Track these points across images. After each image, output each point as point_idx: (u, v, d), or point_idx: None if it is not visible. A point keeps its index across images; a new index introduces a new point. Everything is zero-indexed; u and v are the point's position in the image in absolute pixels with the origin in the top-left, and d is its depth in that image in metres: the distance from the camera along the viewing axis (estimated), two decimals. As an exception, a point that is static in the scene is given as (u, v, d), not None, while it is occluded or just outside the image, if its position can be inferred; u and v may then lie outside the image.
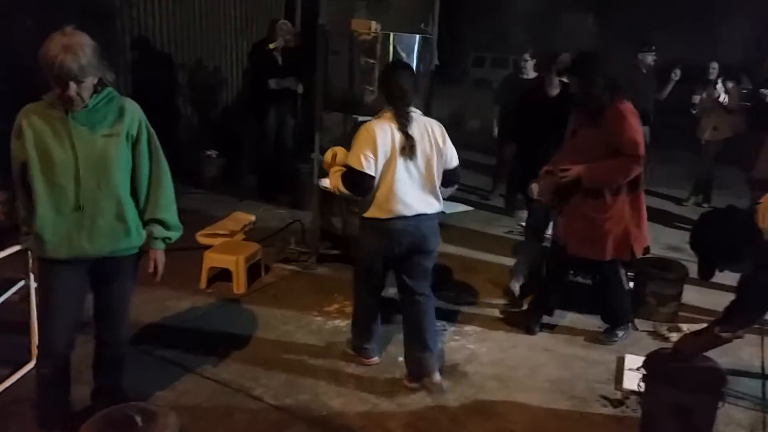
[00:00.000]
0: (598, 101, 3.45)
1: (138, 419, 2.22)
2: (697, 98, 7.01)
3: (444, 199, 3.27)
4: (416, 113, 3.14)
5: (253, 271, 4.52)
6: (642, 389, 3.08)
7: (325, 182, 3.30)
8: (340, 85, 4.43)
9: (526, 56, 6.40)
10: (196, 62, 7.79)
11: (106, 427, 2.21)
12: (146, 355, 3.47)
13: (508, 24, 12.41)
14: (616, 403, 3.23)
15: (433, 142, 3.11)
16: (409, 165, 3.06)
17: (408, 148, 3.02)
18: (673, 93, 7.11)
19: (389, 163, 3.04)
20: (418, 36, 4.40)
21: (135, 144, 2.51)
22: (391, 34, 4.28)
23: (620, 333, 3.92)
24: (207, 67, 7.96)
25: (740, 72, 7.16)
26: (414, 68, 3.33)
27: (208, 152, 7.25)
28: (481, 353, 3.67)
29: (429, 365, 3.23)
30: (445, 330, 3.93)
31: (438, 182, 3.18)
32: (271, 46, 6.22)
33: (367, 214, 3.15)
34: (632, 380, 3.37)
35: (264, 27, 7.20)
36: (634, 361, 3.56)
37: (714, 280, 4.92)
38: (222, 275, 4.42)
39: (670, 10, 13.82)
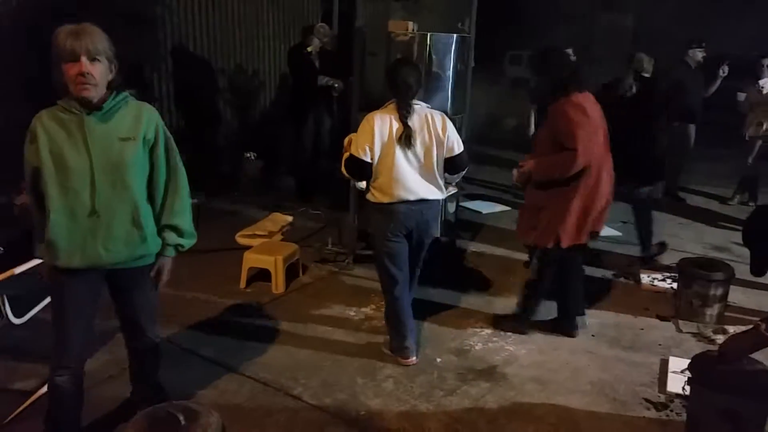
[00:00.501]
0: (546, 97, 3.52)
1: (181, 418, 2.24)
2: (742, 96, 6.79)
3: (463, 192, 3.33)
4: (419, 105, 3.29)
5: (291, 272, 4.57)
6: (687, 393, 3.01)
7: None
8: (377, 86, 4.44)
9: (569, 51, 6.26)
10: (235, 67, 7.91)
11: (149, 426, 2.24)
12: (188, 354, 3.54)
13: (545, 22, 12.27)
14: (660, 407, 3.16)
15: (432, 132, 3.26)
16: (407, 153, 3.24)
17: (405, 138, 3.20)
18: (717, 89, 6.92)
19: (388, 151, 3.23)
20: (455, 35, 4.38)
21: (152, 148, 2.45)
22: (429, 35, 4.28)
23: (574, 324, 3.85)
24: (246, 71, 8.08)
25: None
26: (419, 67, 3.47)
27: (247, 155, 7.35)
28: (520, 355, 3.63)
29: (406, 349, 3.49)
30: (483, 331, 3.90)
31: (438, 171, 3.33)
32: (309, 49, 6.27)
33: (374, 200, 3.36)
34: (676, 383, 3.30)
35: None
36: (678, 364, 3.49)
37: (762, 280, 4.81)
38: (261, 275, 4.48)
39: (714, 4, 13.47)
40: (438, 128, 3.27)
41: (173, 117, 7.31)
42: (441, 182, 3.37)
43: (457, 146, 3.33)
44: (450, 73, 4.40)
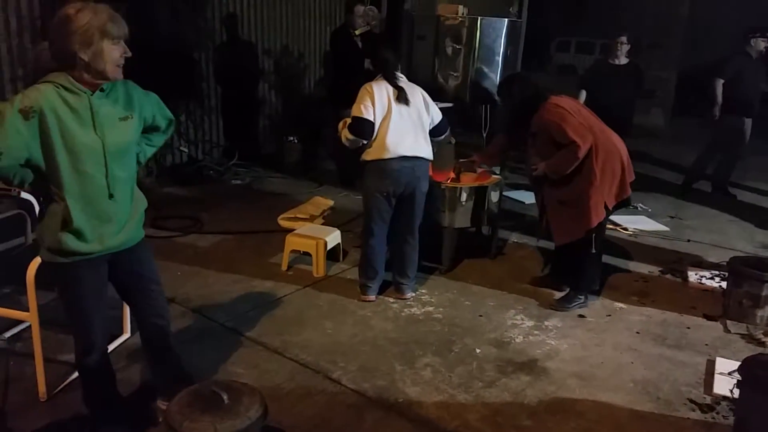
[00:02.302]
0: (521, 115, 3.91)
1: (224, 396, 2.27)
2: None
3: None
4: (404, 77, 3.82)
5: (332, 255, 4.59)
6: (735, 395, 2.92)
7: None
8: (424, 70, 4.41)
9: (623, 38, 6.06)
10: (281, 48, 7.94)
11: (193, 404, 2.27)
12: (230, 333, 3.59)
13: (594, 8, 11.94)
14: (706, 409, 3.07)
15: (420, 98, 3.79)
16: (403, 112, 3.71)
17: (401, 96, 3.70)
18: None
19: (387, 111, 3.69)
20: (506, 20, 4.30)
21: (153, 119, 2.46)
22: (479, 19, 4.20)
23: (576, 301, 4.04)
24: (292, 53, 8.10)
25: None
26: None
27: (290, 138, 7.40)
28: (562, 350, 3.57)
29: (407, 288, 4.10)
30: (523, 323, 3.86)
31: (427, 131, 3.83)
32: (357, 31, 6.23)
33: (370, 158, 3.75)
34: (723, 385, 3.20)
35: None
36: (725, 365, 3.39)
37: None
38: (302, 258, 4.51)
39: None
40: (424, 95, 3.83)
41: (218, 97, 7.40)
42: (429, 144, 3.85)
43: (438, 114, 3.88)
44: (499, 58, 4.32)
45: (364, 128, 3.69)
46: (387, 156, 3.72)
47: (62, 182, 2.20)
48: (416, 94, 3.80)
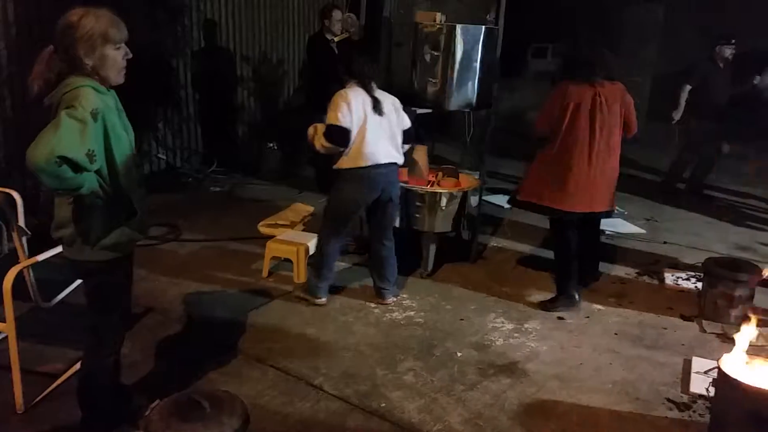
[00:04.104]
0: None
1: (206, 404, 2.25)
2: None
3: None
4: (374, 85, 3.85)
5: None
6: (711, 394, 2.98)
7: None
8: (403, 77, 4.42)
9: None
10: (260, 55, 7.93)
11: (173, 413, 2.25)
12: (210, 343, 3.57)
13: (570, 15, 12.08)
14: (683, 407, 3.12)
15: (392, 106, 3.86)
16: (378, 121, 3.76)
17: (376, 106, 3.75)
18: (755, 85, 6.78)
19: (363, 120, 3.72)
20: (483, 27, 4.34)
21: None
22: (456, 26, 4.24)
23: (557, 304, 4.15)
24: (270, 60, 8.09)
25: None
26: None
27: (269, 144, 7.38)
28: (542, 352, 3.61)
29: (388, 293, 4.13)
30: (504, 326, 3.89)
31: (399, 139, 3.91)
32: (336, 38, 6.24)
33: (347, 166, 3.80)
34: (700, 384, 3.26)
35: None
36: (701, 364, 3.45)
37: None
38: (283, 265, 4.50)
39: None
40: (395, 103, 3.90)
41: (196, 104, 7.36)
42: (401, 150, 3.95)
43: (407, 121, 3.97)
44: (477, 65, 4.36)
45: (341, 136, 3.71)
46: (365, 164, 3.76)
47: (118, 176, 2.31)
48: (387, 102, 3.85)
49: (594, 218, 4.32)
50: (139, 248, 4.69)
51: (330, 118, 3.72)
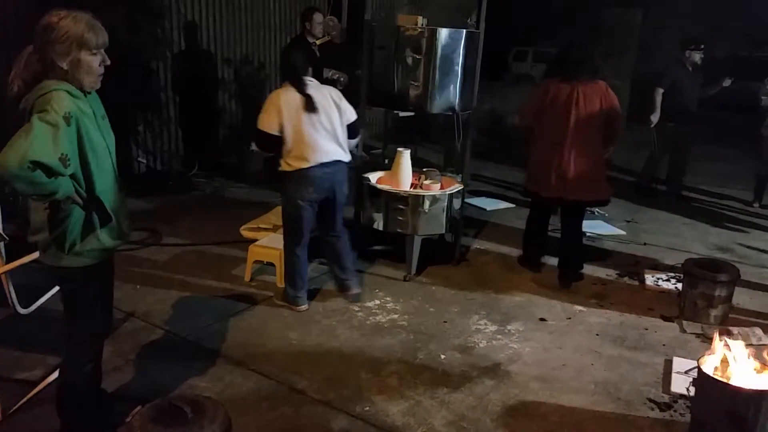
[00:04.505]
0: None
1: (188, 410, 2.24)
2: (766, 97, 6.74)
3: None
4: (313, 82, 3.77)
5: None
6: (691, 393, 3.01)
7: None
8: (385, 80, 4.43)
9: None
10: (241, 58, 7.89)
11: (155, 419, 2.23)
12: (193, 347, 3.54)
13: (549, 19, 12.20)
14: (664, 407, 3.16)
15: (331, 101, 3.76)
16: (314, 119, 3.68)
17: (309, 104, 3.66)
18: (729, 89, 6.91)
19: (297, 120, 3.66)
20: (464, 31, 4.36)
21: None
22: (438, 29, 4.26)
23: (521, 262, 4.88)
24: (252, 62, 8.05)
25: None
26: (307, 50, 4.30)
27: (251, 147, 7.33)
28: (524, 353, 3.62)
29: (352, 283, 4.14)
30: (487, 328, 3.90)
31: (343, 135, 3.82)
32: (318, 41, 6.23)
33: (289, 168, 3.75)
34: (680, 384, 3.30)
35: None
36: (682, 364, 3.49)
37: (765, 282, 4.81)
38: (266, 269, 4.47)
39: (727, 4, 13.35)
40: (335, 98, 3.80)
41: (177, 107, 7.30)
42: (346, 146, 3.86)
43: (351, 113, 3.87)
44: (458, 68, 4.38)
45: (266, 142, 3.73)
46: (307, 165, 3.71)
47: (94, 182, 2.28)
48: (326, 97, 3.75)
49: (573, 209, 4.56)
50: (119, 253, 4.66)
51: (258, 121, 3.72)
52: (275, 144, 3.71)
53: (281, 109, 3.65)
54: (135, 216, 5.56)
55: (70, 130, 2.13)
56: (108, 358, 3.22)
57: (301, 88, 3.69)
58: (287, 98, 3.67)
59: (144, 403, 2.38)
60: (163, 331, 3.69)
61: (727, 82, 6.82)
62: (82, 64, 2.20)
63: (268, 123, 3.67)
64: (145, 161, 6.97)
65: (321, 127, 3.71)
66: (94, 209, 2.32)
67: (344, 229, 4.11)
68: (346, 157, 3.88)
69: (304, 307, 4.02)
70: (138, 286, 4.25)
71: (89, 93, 2.31)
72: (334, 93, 3.83)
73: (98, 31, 2.23)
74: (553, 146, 4.35)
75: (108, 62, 2.29)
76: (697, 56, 6.71)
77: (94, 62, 2.24)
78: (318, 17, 6.14)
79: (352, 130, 3.90)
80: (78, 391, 2.56)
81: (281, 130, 3.66)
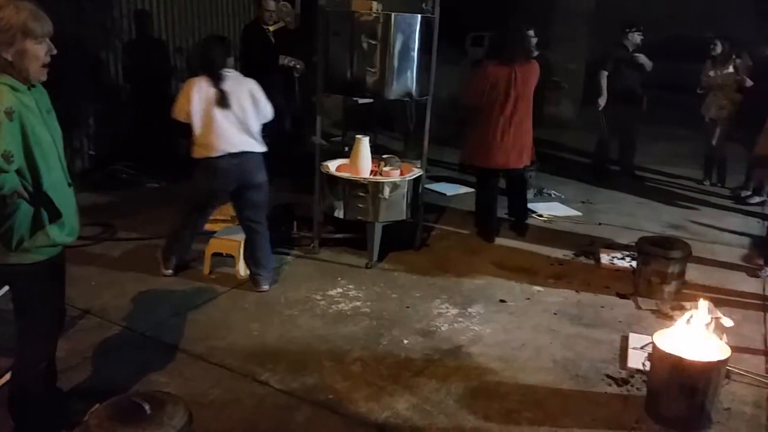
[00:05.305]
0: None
1: (146, 407, 2.20)
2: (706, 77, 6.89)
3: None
4: (231, 72, 3.84)
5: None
6: (647, 368, 3.10)
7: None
8: (341, 66, 4.39)
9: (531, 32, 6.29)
10: (194, 46, 7.71)
11: (112, 417, 2.18)
12: (151, 342, 3.47)
13: (504, 3, 12.25)
14: (621, 382, 3.24)
15: (248, 95, 3.82)
16: (226, 112, 3.75)
17: (221, 99, 3.73)
18: (676, 71, 7.08)
19: (208, 111, 3.74)
20: (419, 16, 4.35)
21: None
22: (393, 15, 4.23)
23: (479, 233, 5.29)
24: (205, 50, 7.88)
25: (742, 48, 7.05)
26: (227, 40, 4.18)
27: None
28: (485, 335, 3.67)
29: (262, 279, 4.11)
30: (448, 312, 3.94)
31: (256, 127, 3.89)
32: (271, 28, 6.13)
33: (198, 155, 3.86)
34: (637, 359, 3.39)
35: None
36: (637, 340, 3.59)
37: (717, 257, 4.98)
38: (225, 261, 4.41)
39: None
40: (252, 90, 3.84)
41: (129, 98, 7.11)
42: (259, 137, 3.93)
43: (268, 112, 3.96)
44: (414, 54, 4.37)
45: (180, 129, 3.87)
46: (214, 154, 3.80)
47: (41, 177, 2.21)
48: (243, 89, 3.81)
49: (516, 174, 5.26)
50: (73, 249, 4.58)
51: (174, 110, 3.85)
52: (184, 130, 3.84)
53: (192, 98, 3.74)
54: (88, 210, 5.47)
55: (12, 126, 2.08)
56: (64, 356, 3.15)
57: (216, 82, 3.75)
58: (200, 88, 3.75)
59: (102, 401, 2.32)
60: (120, 328, 3.61)
61: (643, 59, 6.87)
62: (28, 53, 2.15)
63: (177, 110, 3.82)
64: (93, 153, 6.77)
65: (234, 117, 3.78)
66: (42, 205, 2.26)
67: (264, 223, 4.12)
68: (257, 148, 3.93)
69: (167, 272, 4.22)
70: (93, 283, 4.15)
71: (33, 86, 2.24)
72: (254, 87, 3.87)
73: (42, 20, 2.18)
74: (497, 122, 4.85)
75: (54, 51, 2.23)
76: (638, 37, 6.84)
77: (40, 51, 2.18)
78: (270, 4, 6.05)
79: (265, 126, 4.00)
80: (31, 392, 2.50)
81: (190, 118, 3.77)
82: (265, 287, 4.11)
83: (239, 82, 3.82)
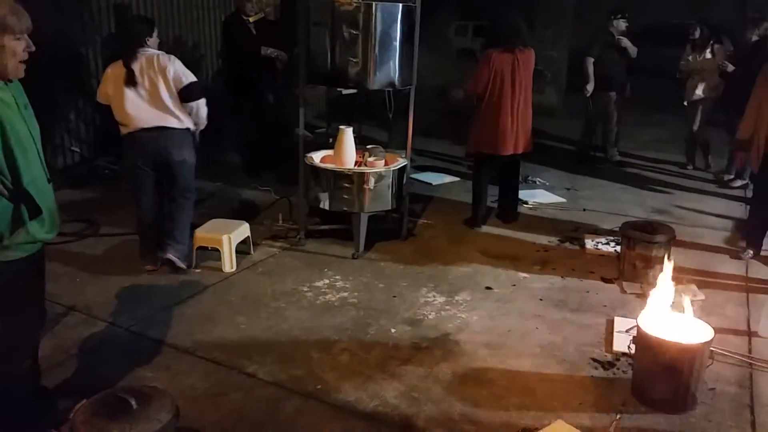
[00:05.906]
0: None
1: (132, 402, 2.19)
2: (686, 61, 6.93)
3: (202, 118, 4.19)
4: (148, 51, 3.99)
5: (243, 249, 4.50)
6: (632, 351, 3.13)
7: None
8: (323, 57, 4.37)
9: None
10: (174, 39, 7.63)
11: (99, 412, 2.18)
12: (137, 337, 3.45)
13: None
14: (607, 366, 3.27)
15: (157, 70, 3.92)
16: (136, 90, 3.92)
17: (129, 79, 3.90)
18: (657, 55, 7.11)
19: (119, 91, 3.93)
20: (401, 5, 4.33)
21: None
22: (374, 4, 4.21)
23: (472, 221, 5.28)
24: (186, 43, 7.80)
25: (723, 33, 7.11)
26: (149, 20, 4.46)
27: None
28: (472, 322, 3.69)
29: (170, 249, 4.17)
30: (435, 300, 3.95)
31: (171, 101, 3.98)
32: (252, 18, 6.07)
33: (122, 133, 4.07)
34: (622, 342, 3.42)
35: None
36: (622, 324, 3.62)
37: (701, 240, 5.02)
38: (211, 254, 4.39)
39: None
40: (162, 66, 3.93)
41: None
42: (177, 112, 4.01)
43: (185, 78, 3.99)
44: (397, 43, 4.35)
45: (100, 109, 4.14)
46: (130, 130, 4.01)
47: (20, 173, 2.19)
48: (152, 65, 3.92)
49: (515, 160, 5.26)
50: (56, 245, 4.55)
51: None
52: (104, 110, 4.07)
53: (108, 81, 3.99)
54: (71, 207, 5.41)
55: None
56: (49, 354, 3.13)
57: (126, 62, 3.93)
58: (114, 71, 3.98)
59: (88, 397, 2.31)
60: (105, 324, 3.58)
61: (627, 43, 6.91)
62: (6, 49, 2.13)
63: (99, 94, 4.10)
64: (78, 150, 6.70)
65: (145, 93, 3.93)
66: (22, 201, 2.23)
67: (188, 200, 4.26)
68: (174, 124, 4.03)
69: (149, 267, 4.24)
70: (78, 279, 4.11)
71: (10, 81, 2.22)
72: (164, 59, 3.96)
73: (21, 15, 2.16)
74: (505, 109, 4.89)
75: (32, 48, 2.21)
76: (623, 24, 6.89)
77: (19, 47, 2.17)
78: None
79: (187, 94, 4.01)
80: (13, 392, 2.47)
81: (108, 99, 4.00)
82: (171, 257, 4.15)
83: (154, 60, 3.94)
